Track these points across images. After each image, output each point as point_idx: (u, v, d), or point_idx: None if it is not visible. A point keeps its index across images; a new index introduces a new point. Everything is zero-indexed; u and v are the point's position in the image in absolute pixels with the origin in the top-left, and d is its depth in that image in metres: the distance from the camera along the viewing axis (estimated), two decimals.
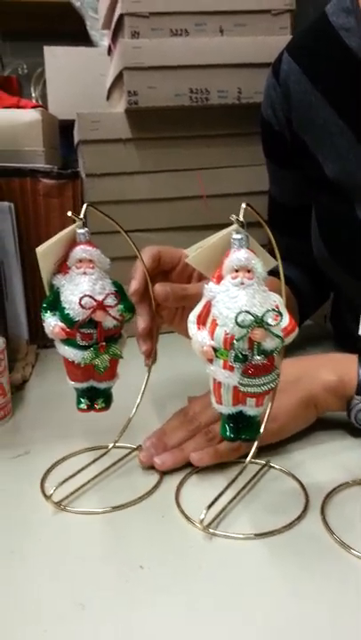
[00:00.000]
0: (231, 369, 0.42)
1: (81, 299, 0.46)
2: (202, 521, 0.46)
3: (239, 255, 0.41)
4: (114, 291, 0.49)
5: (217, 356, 0.43)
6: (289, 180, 0.82)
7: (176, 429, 0.57)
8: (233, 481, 0.51)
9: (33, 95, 1.88)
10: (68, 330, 0.48)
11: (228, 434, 0.46)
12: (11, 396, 0.71)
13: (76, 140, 1.05)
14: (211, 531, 0.46)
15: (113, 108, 1.08)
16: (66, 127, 1.21)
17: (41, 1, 2.11)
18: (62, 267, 0.49)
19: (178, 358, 0.63)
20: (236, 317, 0.40)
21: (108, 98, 1.17)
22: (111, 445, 0.59)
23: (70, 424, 0.67)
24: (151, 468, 0.55)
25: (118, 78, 0.95)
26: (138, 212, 0.96)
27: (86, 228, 0.48)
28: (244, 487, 0.51)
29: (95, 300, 0.47)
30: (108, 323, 0.48)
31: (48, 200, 0.92)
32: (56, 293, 0.49)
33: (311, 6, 0.98)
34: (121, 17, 0.89)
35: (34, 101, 1.54)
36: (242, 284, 0.41)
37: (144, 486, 0.52)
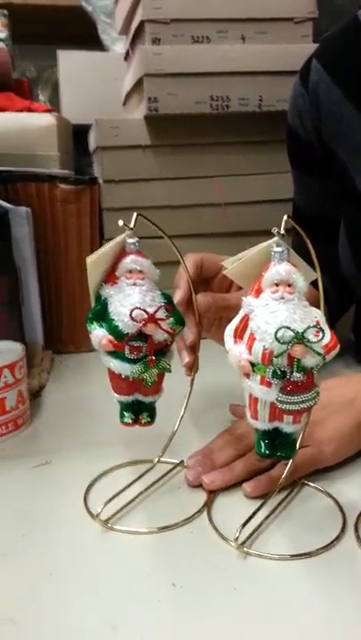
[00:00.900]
0: (269, 385, 0.41)
1: (132, 311, 0.45)
2: (236, 539, 0.45)
3: (280, 269, 0.40)
4: (164, 303, 0.47)
5: (254, 371, 0.42)
6: (315, 189, 0.81)
7: (223, 448, 0.56)
8: (267, 498, 0.49)
9: (41, 99, 1.88)
10: (116, 342, 0.47)
11: (263, 450, 0.45)
12: (29, 404, 0.70)
13: (93, 145, 1.05)
14: (245, 549, 0.44)
15: (130, 113, 1.08)
16: (78, 132, 1.21)
17: (49, 5, 2.11)
18: (110, 277, 0.48)
19: (215, 366, 0.61)
20: (276, 333, 0.39)
21: (124, 103, 1.17)
22: (156, 460, 0.57)
23: (91, 432, 0.66)
24: (198, 486, 0.54)
25: (138, 84, 0.94)
26: (155, 218, 0.95)
27: (137, 238, 0.47)
28: (278, 505, 0.50)
29: (146, 313, 0.46)
30: (159, 336, 0.47)
31: (65, 206, 0.91)
32: (103, 304, 0.48)
33: (326, 13, 0.98)
34: (141, 23, 0.89)
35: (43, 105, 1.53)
36: (282, 298, 0.40)
37: (191, 506, 0.51)
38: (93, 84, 1.45)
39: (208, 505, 0.51)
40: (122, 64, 1.28)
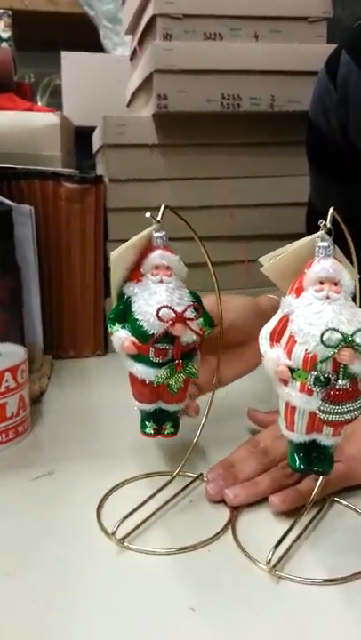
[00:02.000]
0: (310, 393, 0.38)
1: (159, 310, 0.41)
2: (269, 561, 0.41)
3: (326, 265, 0.37)
4: (192, 301, 0.44)
5: (293, 378, 0.38)
6: (335, 190, 0.77)
7: (246, 461, 0.52)
8: (299, 517, 0.46)
9: (40, 104, 1.85)
10: (140, 344, 0.43)
11: (297, 464, 0.41)
12: (30, 410, 0.66)
13: (97, 144, 1.01)
14: (277, 573, 0.41)
15: (136, 113, 1.04)
16: (79, 134, 1.18)
17: (49, 11, 2.10)
18: (135, 274, 0.44)
19: None
20: (322, 335, 0.36)
21: (129, 104, 1.14)
22: (175, 473, 0.53)
23: (96, 441, 0.62)
24: (219, 501, 0.50)
25: (146, 82, 0.91)
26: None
27: (164, 232, 0.44)
28: (308, 524, 0.46)
29: (174, 312, 0.42)
30: (187, 338, 0.43)
31: (69, 205, 0.87)
32: (127, 303, 0.44)
33: (341, 12, 0.95)
34: (153, 18, 0.86)
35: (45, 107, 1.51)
36: (327, 297, 0.37)
37: (213, 523, 0.47)
38: (96, 85, 1.43)
39: (232, 523, 0.47)
40: (125, 66, 1.25)
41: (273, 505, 0.47)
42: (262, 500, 0.49)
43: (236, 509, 0.48)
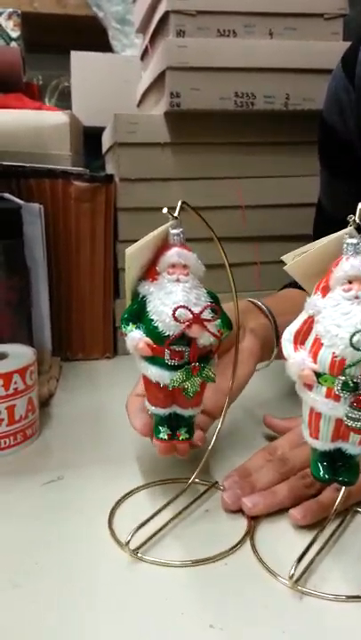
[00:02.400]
0: (337, 398, 0.36)
1: (175, 310, 0.40)
2: (292, 576, 0.39)
3: (355, 263, 0.35)
4: (210, 302, 0.42)
5: (319, 382, 0.36)
6: (348, 194, 0.74)
7: (263, 469, 0.50)
8: (322, 528, 0.43)
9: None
10: (155, 346, 0.41)
11: (321, 474, 0.39)
12: (39, 413, 0.64)
13: (107, 143, 1.00)
14: (300, 588, 0.39)
15: (147, 112, 1.03)
16: (88, 135, 1.17)
17: (58, 13, 2.09)
18: (150, 272, 0.42)
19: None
20: (351, 338, 0.34)
21: (139, 104, 1.12)
22: (191, 480, 0.50)
23: (107, 445, 0.61)
24: (235, 511, 0.48)
25: (158, 79, 0.89)
26: None
27: (181, 229, 0.42)
28: (331, 536, 0.44)
29: (192, 313, 0.40)
30: (205, 340, 0.41)
31: (79, 204, 0.86)
32: (141, 303, 0.42)
33: (353, 9, 0.93)
34: (166, 15, 0.84)
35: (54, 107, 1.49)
36: (356, 297, 0.35)
37: (230, 534, 0.45)
38: (106, 85, 1.41)
39: (251, 534, 0.45)
40: (135, 66, 1.24)
41: (293, 519, 0.45)
42: (282, 510, 0.47)
43: (254, 520, 0.46)
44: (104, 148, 1.08)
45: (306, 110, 0.87)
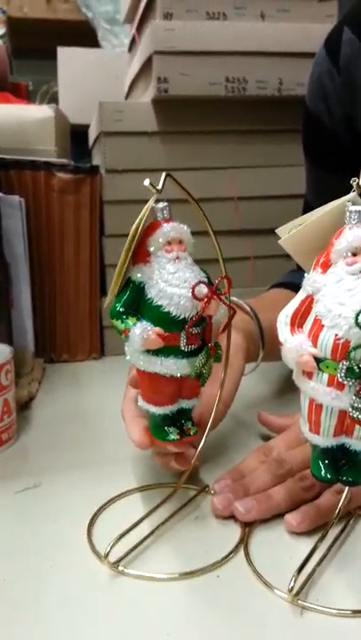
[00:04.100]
0: (340, 387, 0.31)
1: (194, 287, 0.36)
2: (291, 589, 0.34)
3: (360, 232, 0.30)
4: (206, 277, 0.38)
5: (320, 369, 0.32)
6: (335, 187, 0.69)
7: (257, 471, 0.45)
8: (323, 536, 0.39)
9: None
10: (167, 334, 0.37)
11: (323, 473, 0.35)
12: (16, 416, 0.59)
13: (93, 134, 0.96)
14: (300, 602, 0.34)
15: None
16: (75, 132, 1.13)
17: (47, 18, 2.07)
18: (140, 255, 0.38)
19: None
20: (357, 317, 0.30)
21: (127, 96, 1.08)
22: (178, 485, 0.46)
23: (88, 450, 0.56)
24: (227, 517, 0.43)
25: (145, 66, 0.85)
26: None
27: (166, 203, 0.38)
28: (333, 543, 0.39)
29: (209, 288, 0.36)
30: (219, 315, 0.38)
31: (62, 196, 0.81)
32: (137, 290, 0.38)
33: None
34: None
35: None
36: None
37: (221, 543, 0.40)
38: (93, 81, 1.38)
39: (244, 542, 0.40)
40: (123, 62, 1.20)
41: (289, 526, 0.41)
42: (278, 515, 0.42)
43: (248, 526, 0.42)
44: (90, 142, 1.04)
45: (300, 96, 0.82)
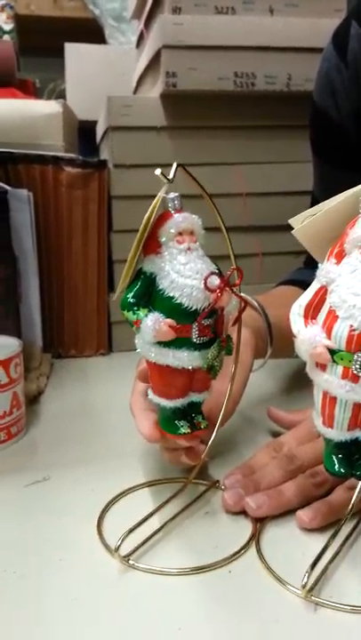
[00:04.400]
0: (355, 379, 0.31)
1: (206, 278, 0.35)
2: (304, 585, 0.34)
3: None
4: (217, 269, 0.38)
5: (334, 361, 0.32)
6: (343, 183, 0.69)
7: (268, 467, 0.45)
8: (336, 532, 0.39)
9: None
10: (179, 326, 0.37)
11: (336, 468, 0.34)
12: (25, 410, 0.59)
13: (101, 129, 0.96)
14: (314, 598, 0.34)
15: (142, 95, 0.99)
16: (82, 129, 1.13)
17: (55, 16, 2.07)
18: (151, 246, 0.38)
19: None
20: None
21: (135, 91, 1.08)
22: (189, 480, 0.46)
23: (97, 444, 0.56)
24: (238, 513, 0.43)
25: (154, 60, 0.85)
26: None
27: (177, 193, 0.37)
28: (346, 540, 0.39)
29: (221, 279, 0.36)
30: (232, 307, 0.38)
31: (71, 191, 0.81)
32: (148, 282, 0.37)
33: None
34: None
35: None
36: None
37: (233, 539, 0.40)
38: (101, 78, 1.38)
39: (256, 538, 0.40)
40: (130, 59, 1.19)
41: (301, 522, 0.40)
42: (290, 511, 0.42)
43: (259, 522, 0.41)
44: (98, 137, 1.04)
45: (309, 92, 0.82)
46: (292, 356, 0.35)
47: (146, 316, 0.37)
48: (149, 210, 0.36)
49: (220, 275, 0.37)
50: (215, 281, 0.36)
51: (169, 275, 0.36)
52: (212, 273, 0.36)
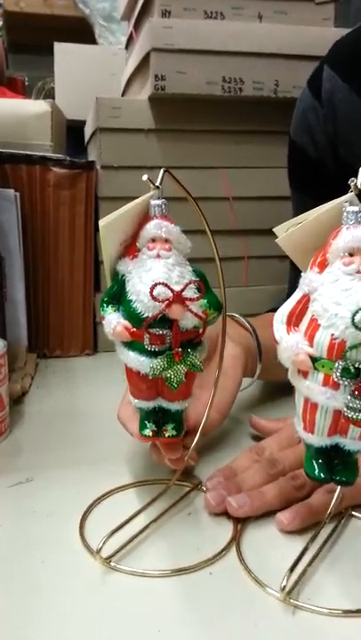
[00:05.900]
0: (335, 386, 0.32)
1: (152, 288, 0.35)
2: (283, 588, 0.34)
3: (356, 233, 0.31)
4: (196, 280, 0.38)
5: (316, 368, 0.32)
6: None
7: (250, 470, 0.46)
8: (315, 534, 0.39)
9: None
10: (133, 330, 0.37)
11: (317, 473, 0.35)
12: (9, 411, 0.59)
13: (90, 130, 0.96)
14: (293, 601, 0.34)
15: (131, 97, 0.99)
16: (71, 129, 1.13)
17: (45, 14, 2.06)
18: (130, 249, 0.38)
19: None
20: (353, 317, 0.30)
21: (123, 93, 1.08)
22: (172, 482, 0.46)
23: (82, 446, 0.56)
24: (220, 514, 0.44)
25: (143, 63, 0.85)
26: None
27: (163, 200, 0.38)
28: (324, 543, 0.40)
29: (171, 291, 0.36)
30: (187, 322, 0.37)
31: (58, 191, 0.81)
32: (121, 283, 0.38)
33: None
34: None
35: None
36: (358, 272, 0.31)
37: (214, 540, 0.41)
38: (90, 78, 1.37)
39: (237, 539, 0.40)
40: (120, 59, 1.20)
41: (280, 524, 0.41)
42: (271, 514, 0.43)
43: (240, 524, 0.42)
44: (86, 138, 1.04)
45: (295, 98, 0.83)
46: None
47: (109, 313, 0.38)
48: (124, 209, 0.37)
49: (168, 286, 0.36)
50: (163, 291, 0.36)
51: (133, 278, 0.37)
52: (161, 283, 0.35)
